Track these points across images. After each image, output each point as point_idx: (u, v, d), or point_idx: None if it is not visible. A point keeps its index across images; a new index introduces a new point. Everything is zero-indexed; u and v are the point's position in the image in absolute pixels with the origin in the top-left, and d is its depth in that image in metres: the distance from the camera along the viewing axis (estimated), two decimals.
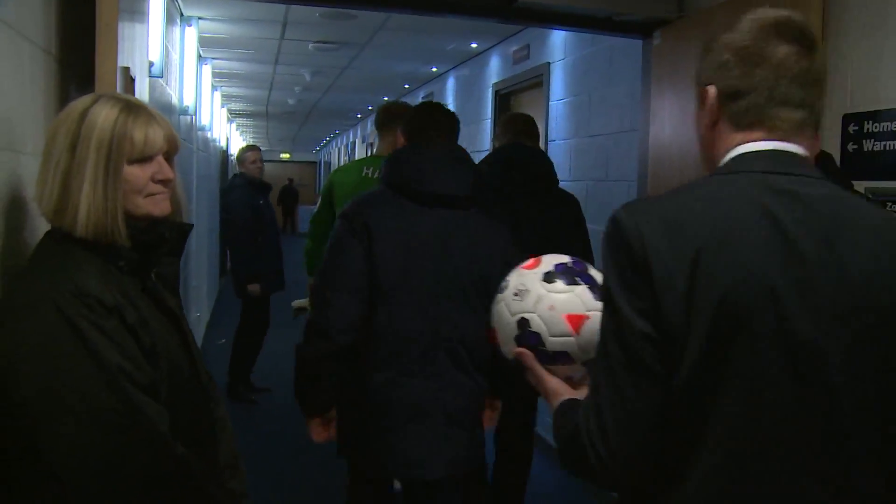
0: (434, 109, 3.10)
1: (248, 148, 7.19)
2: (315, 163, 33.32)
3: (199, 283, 8.79)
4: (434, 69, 9.50)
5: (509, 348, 1.71)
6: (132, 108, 1.76)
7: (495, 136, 4.55)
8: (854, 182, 2.86)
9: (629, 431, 1.34)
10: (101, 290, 1.65)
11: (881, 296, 1.33)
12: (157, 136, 1.77)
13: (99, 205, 1.69)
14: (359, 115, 16.46)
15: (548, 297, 1.66)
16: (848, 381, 1.32)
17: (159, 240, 1.82)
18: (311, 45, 8.17)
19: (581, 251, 3.93)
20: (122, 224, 1.72)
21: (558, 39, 5.92)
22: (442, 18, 5.93)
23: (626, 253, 1.35)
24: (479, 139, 7.79)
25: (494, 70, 7.49)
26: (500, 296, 1.74)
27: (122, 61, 2.72)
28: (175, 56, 6.43)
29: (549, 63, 6.07)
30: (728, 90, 1.49)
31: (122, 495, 1.63)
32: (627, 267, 1.34)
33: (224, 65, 9.94)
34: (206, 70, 9.31)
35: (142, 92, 3.38)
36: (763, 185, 1.39)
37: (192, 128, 7.92)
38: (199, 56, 8.65)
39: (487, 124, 7.51)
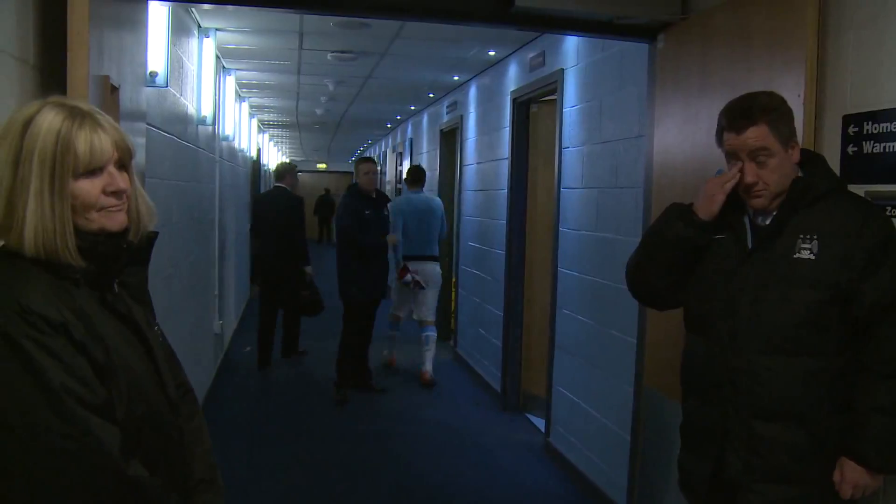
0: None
1: (361, 160, 7.73)
2: (351, 173, 33.43)
3: (225, 291, 8.82)
4: (456, 78, 9.45)
5: None
6: (76, 116, 1.68)
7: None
8: (854, 185, 2.76)
9: None
10: (46, 307, 1.60)
11: None
12: (103, 145, 1.69)
13: (47, 224, 1.63)
14: (388, 125, 16.47)
15: None
16: None
17: (117, 251, 1.77)
18: (329, 55, 8.17)
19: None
20: (72, 242, 1.66)
21: (571, 45, 5.85)
22: (454, 26, 5.90)
23: None
24: (499, 148, 7.74)
25: (512, 78, 7.43)
26: None
27: (103, 70, 2.69)
28: (192, 67, 6.47)
29: (562, 69, 6.00)
30: None
31: None
32: None
33: (249, 76, 9.99)
34: (230, 81, 9.35)
35: (135, 101, 3.36)
36: None
37: (215, 138, 7.96)
38: (223, 67, 8.71)
39: (506, 133, 7.45)
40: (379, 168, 19.47)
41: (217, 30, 7.03)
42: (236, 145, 10.77)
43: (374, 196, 7.56)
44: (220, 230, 8.24)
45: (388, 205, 7.88)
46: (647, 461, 4.11)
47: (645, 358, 4.27)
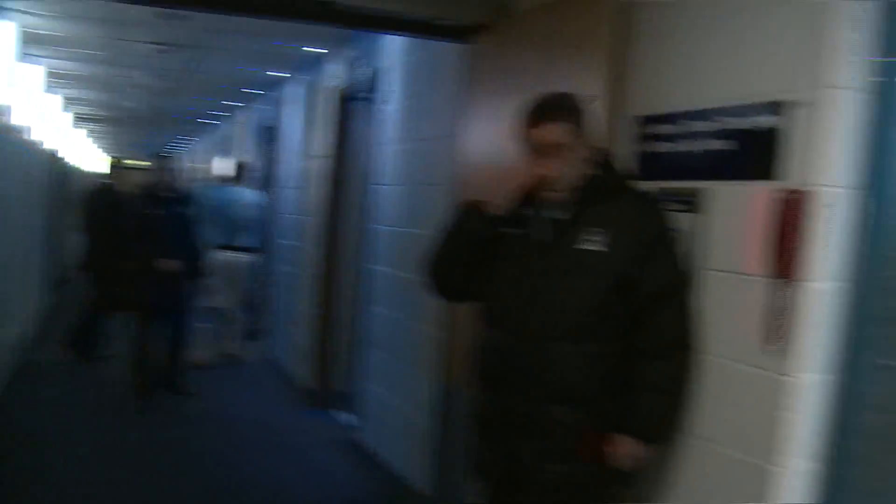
0: None
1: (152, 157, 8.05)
2: (167, 170, 32.37)
3: (8, 297, 8.16)
4: (279, 73, 9.36)
5: None
6: None
7: None
8: (648, 182, 2.95)
9: None
10: None
11: None
12: None
13: None
14: (210, 121, 16.09)
15: None
16: None
17: None
18: (149, 47, 7.92)
19: None
20: None
21: (392, 45, 5.92)
22: (277, 22, 5.84)
23: None
24: (318, 145, 7.71)
25: (335, 75, 7.44)
26: None
27: None
28: None
29: (382, 68, 6.07)
30: None
31: None
32: None
33: (62, 65, 9.49)
34: (38, 70, 8.84)
35: None
36: None
37: (7, 130, 7.44)
38: (26, 54, 8.19)
39: (326, 129, 7.43)
40: (199, 165, 19.12)
41: (20, 12, 6.61)
42: (35, 139, 10.08)
43: (160, 195, 7.28)
44: (4, 231, 7.70)
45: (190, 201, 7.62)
46: (452, 451, 4.21)
47: (450, 351, 4.36)
